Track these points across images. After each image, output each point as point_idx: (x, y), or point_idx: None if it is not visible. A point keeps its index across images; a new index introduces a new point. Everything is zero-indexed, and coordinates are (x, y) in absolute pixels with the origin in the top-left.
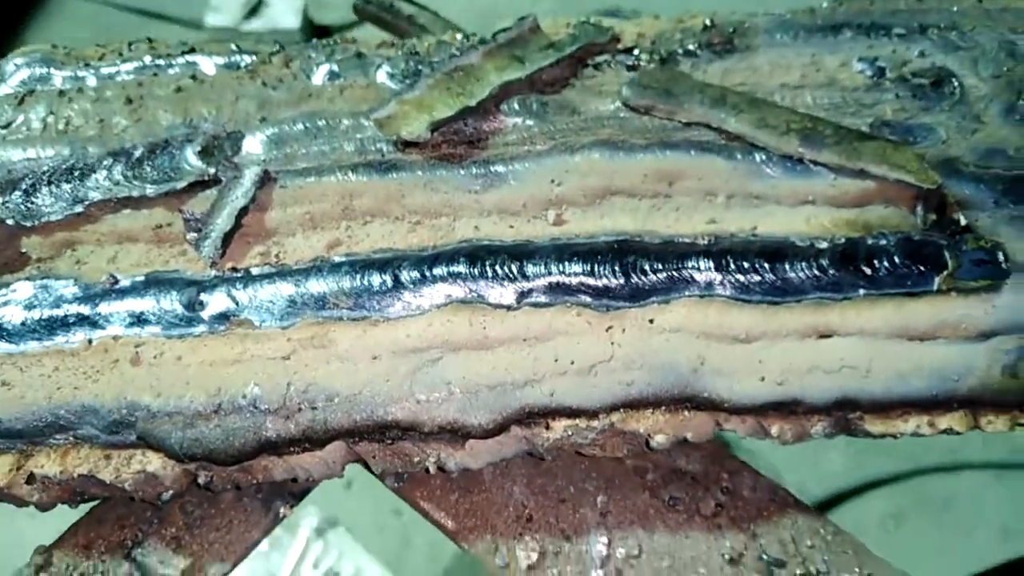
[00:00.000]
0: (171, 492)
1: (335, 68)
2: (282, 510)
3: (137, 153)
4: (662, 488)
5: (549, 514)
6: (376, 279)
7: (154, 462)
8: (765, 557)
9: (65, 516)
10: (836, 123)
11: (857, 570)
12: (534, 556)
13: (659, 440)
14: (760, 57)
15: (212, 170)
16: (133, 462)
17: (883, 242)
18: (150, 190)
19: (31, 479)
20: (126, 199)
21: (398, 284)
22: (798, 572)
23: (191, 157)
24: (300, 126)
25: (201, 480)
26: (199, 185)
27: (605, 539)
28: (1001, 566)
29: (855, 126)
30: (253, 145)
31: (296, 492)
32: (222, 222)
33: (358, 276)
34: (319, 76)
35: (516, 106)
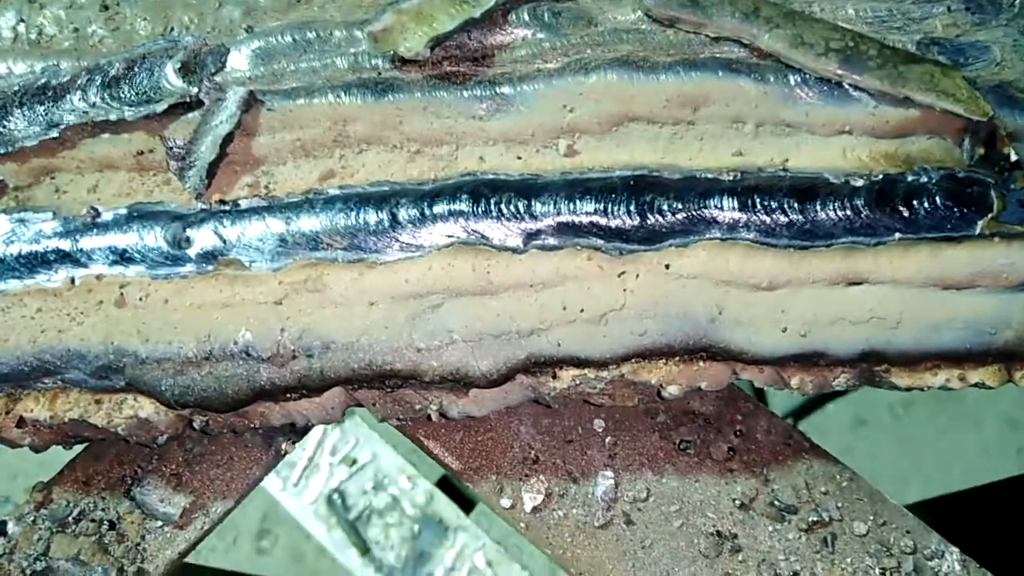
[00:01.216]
0: (166, 436)
1: None
2: (284, 446)
3: (113, 71)
4: (673, 430)
5: (555, 455)
6: (372, 217)
7: (146, 407)
8: (777, 503)
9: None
10: (880, 42)
11: (872, 518)
12: (539, 498)
13: (672, 391)
14: None
15: (194, 90)
16: (125, 407)
17: (924, 179)
18: (128, 113)
19: (21, 423)
20: (104, 123)
21: (395, 223)
22: (811, 519)
23: (171, 75)
24: (288, 38)
25: (196, 425)
26: (181, 107)
27: (612, 481)
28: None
29: (900, 44)
30: (238, 60)
31: (298, 428)
32: (206, 150)
33: (353, 213)
34: None
35: (526, 16)
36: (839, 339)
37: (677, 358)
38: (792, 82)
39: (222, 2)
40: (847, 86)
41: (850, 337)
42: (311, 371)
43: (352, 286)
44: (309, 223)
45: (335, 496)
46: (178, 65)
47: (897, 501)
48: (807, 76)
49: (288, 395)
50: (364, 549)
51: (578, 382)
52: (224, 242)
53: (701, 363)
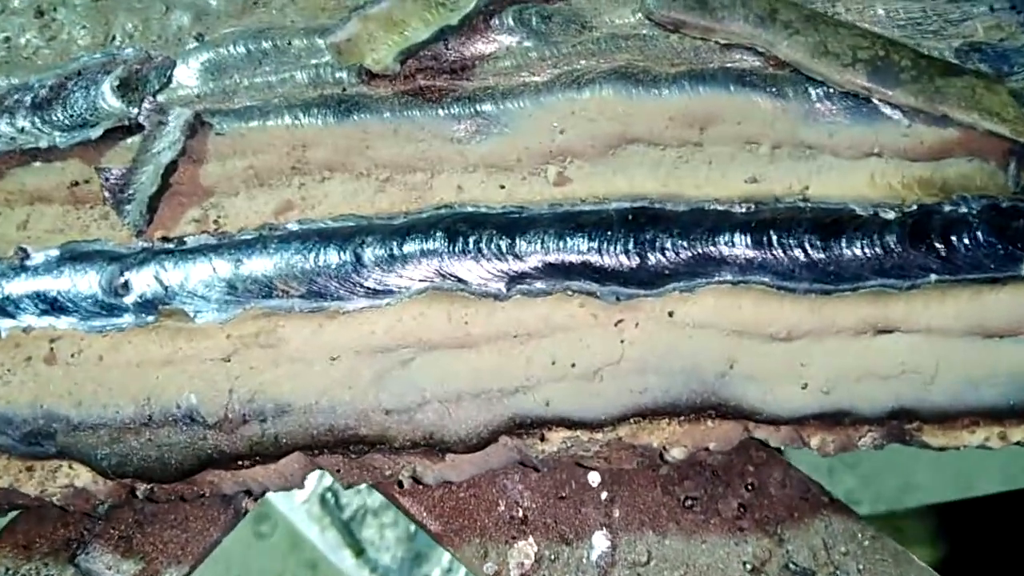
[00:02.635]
0: (108, 504)
1: None
2: (245, 503)
3: (44, 90)
4: (676, 484)
5: (546, 513)
6: (334, 258)
7: (83, 475)
8: (792, 566)
9: None
10: (915, 50)
11: None
12: (528, 563)
13: (676, 454)
14: None
15: (134, 112)
16: (59, 475)
17: (963, 210)
18: (60, 138)
19: None
20: (34, 150)
21: (360, 265)
22: None
23: (108, 94)
24: (242, 48)
25: (140, 493)
26: (119, 131)
27: (609, 543)
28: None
29: (937, 51)
30: (185, 75)
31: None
32: (147, 181)
33: (311, 254)
34: None
35: (511, 21)
36: (866, 396)
37: (682, 417)
38: (813, 97)
39: (169, 6)
40: (876, 102)
41: (879, 393)
42: (264, 437)
43: (310, 340)
44: (262, 265)
45: (328, 495)
46: (116, 82)
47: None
48: (831, 90)
49: (240, 463)
50: (359, 550)
51: (569, 444)
52: (166, 289)
53: (709, 422)
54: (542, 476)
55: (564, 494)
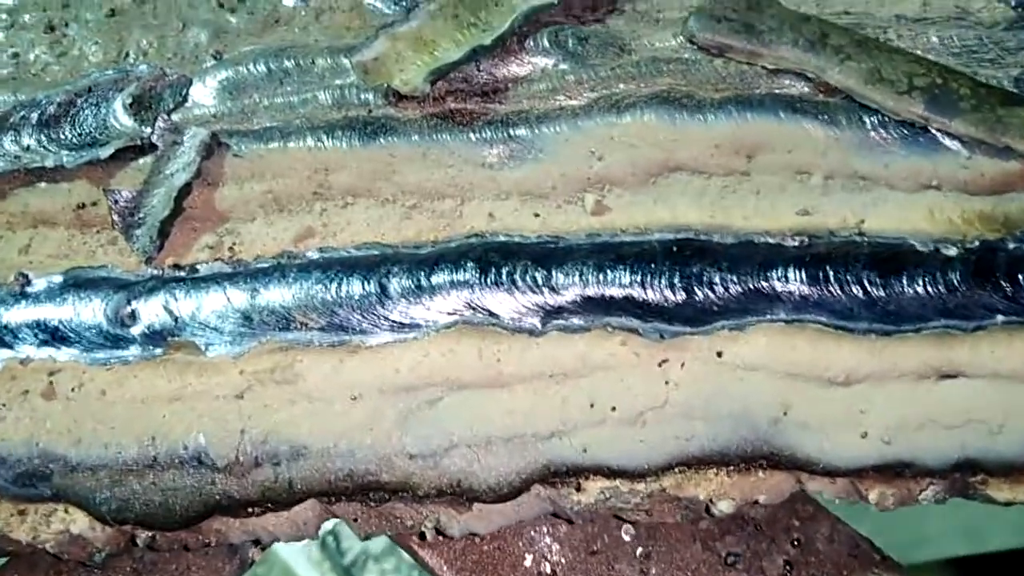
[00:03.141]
0: (105, 552)
1: None
2: (251, 553)
3: (52, 107)
4: (718, 540)
5: (576, 569)
6: (357, 288)
7: (80, 521)
8: None
9: None
10: (973, 78)
11: None
12: None
13: (723, 507)
14: None
15: (146, 131)
16: (54, 520)
17: None
18: (68, 158)
19: None
20: (39, 169)
21: (385, 296)
22: None
23: (119, 112)
24: (262, 67)
25: (140, 541)
26: (130, 151)
27: None
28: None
29: (995, 80)
30: (202, 94)
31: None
32: (159, 204)
33: (333, 284)
34: None
35: (546, 42)
36: (929, 446)
37: (731, 467)
38: (868, 125)
39: (187, 23)
40: (934, 131)
41: (942, 443)
42: (278, 482)
43: (330, 376)
44: (279, 295)
45: (329, 539)
46: (129, 100)
47: None
48: (886, 119)
49: (250, 510)
50: None
51: (608, 495)
52: (175, 319)
53: (760, 473)
54: (572, 528)
55: (596, 548)
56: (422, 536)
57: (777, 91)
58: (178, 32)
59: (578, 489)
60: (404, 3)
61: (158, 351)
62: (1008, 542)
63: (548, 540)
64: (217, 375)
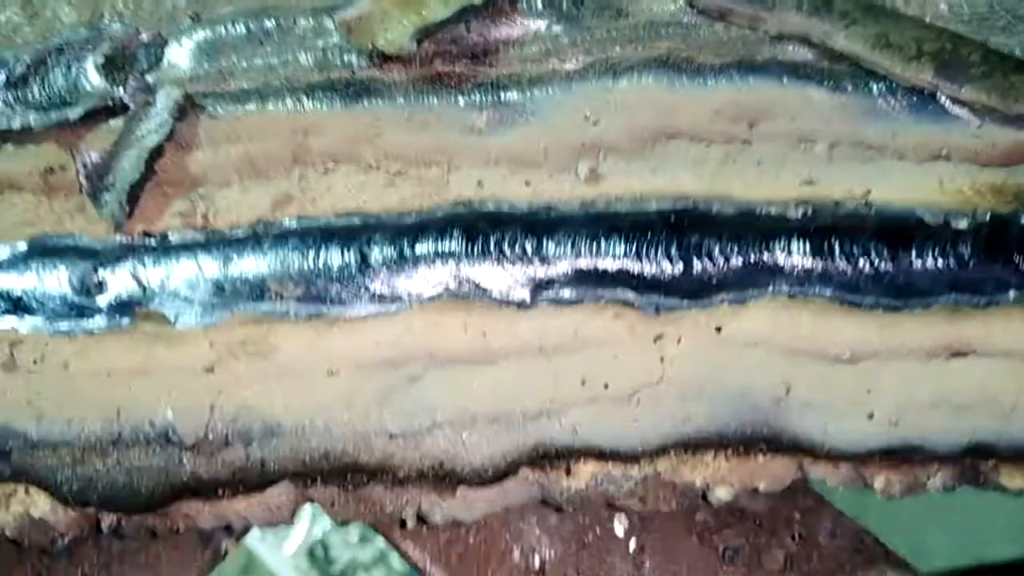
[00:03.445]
0: (68, 538)
1: None
2: (225, 544)
3: (20, 67)
4: (715, 533)
5: (567, 563)
6: (336, 258)
7: (40, 503)
8: None
9: None
10: (984, 45)
11: None
12: None
13: (721, 494)
14: None
15: (119, 92)
16: (13, 502)
17: None
18: (35, 119)
19: None
20: (5, 131)
21: (366, 266)
22: None
23: (91, 72)
24: (241, 28)
25: (105, 526)
26: (102, 113)
27: None
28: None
29: (1007, 48)
30: (177, 55)
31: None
32: (129, 168)
33: (311, 252)
34: None
35: (539, 4)
36: (939, 428)
37: (730, 450)
38: (875, 92)
39: None
40: (944, 99)
41: (952, 426)
42: (249, 462)
43: (306, 350)
44: (254, 264)
45: (318, 548)
46: (101, 60)
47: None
48: (894, 85)
49: (220, 492)
50: None
51: (600, 480)
52: (144, 288)
53: (760, 457)
54: (562, 520)
55: (587, 541)
56: (403, 524)
57: (780, 57)
58: None
59: (568, 473)
60: None
61: (125, 321)
62: (1010, 553)
63: (537, 532)
64: (186, 347)
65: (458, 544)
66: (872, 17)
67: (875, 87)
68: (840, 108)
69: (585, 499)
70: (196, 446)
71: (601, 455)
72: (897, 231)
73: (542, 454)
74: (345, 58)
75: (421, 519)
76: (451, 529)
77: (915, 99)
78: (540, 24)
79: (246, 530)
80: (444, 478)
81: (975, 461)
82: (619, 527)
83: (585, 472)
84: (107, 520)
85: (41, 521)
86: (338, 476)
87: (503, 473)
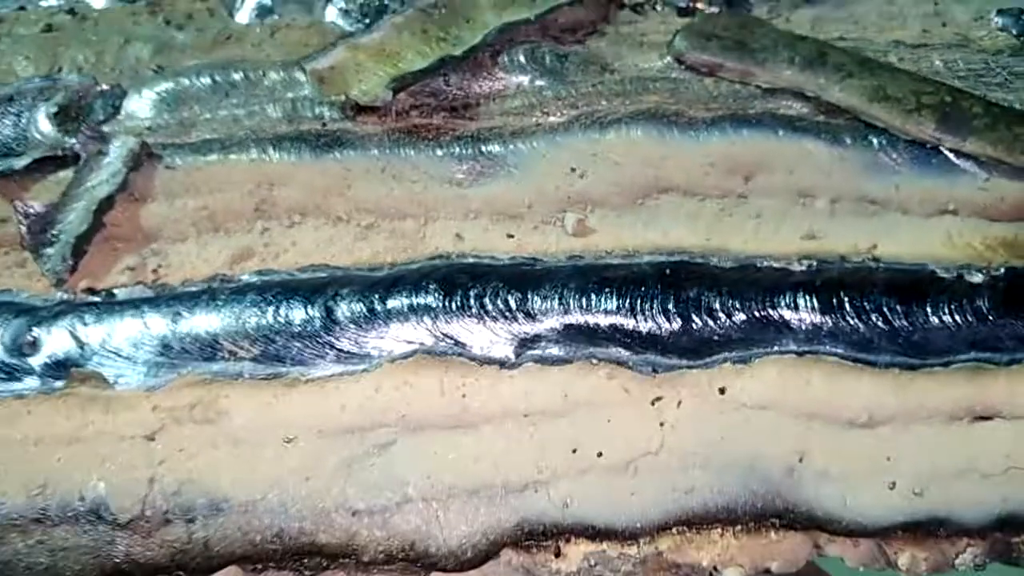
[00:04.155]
0: None
1: (267, 0)
2: None
3: None
4: None
5: None
6: (298, 313)
7: None
8: None
9: None
10: (983, 98)
11: None
12: None
13: (730, 575)
14: (863, 3)
15: (70, 141)
16: None
17: None
18: None
19: None
20: None
21: (331, 323)
22: None
23: (42, 121)
24: (206, 79)
25: None
26: (50, 162)
27: None
28: None
29: (1006, 103)
30: (138, 106)
31: None
32: (75, 219)
33: (270, 308)
34: (244, 12)
35: (522, 58)
36: (966, 499)
37: (739, 527)
38: (875, 145)
39: (129, 39)
40: (947, 152)
41: (981, 496)
42: (191, 543)
43: (260, 415)
44: (205, 321)
45: None
46: (54, 109)
47: None
48: (894, 138)
49: None
50: None
51: (593, 562)
52: (82, 347)
53: (772, 534)
54: None
55: None
56: None
57: (774, 110)
58: (118, 48)
59: (557, 555)
60: (368, 21)
61: (58, 384)
62: None
63: None
64: (126, 412)
65: None
66: (868, 70)
67: (875, 140)
68: (840, 161)
69: None
70: (131, 524)
71: (595, 533)
72: (909, 286)
73: (528, 533)
74: (316, 110)
75: None
76: None
77: (917, 152)
78: (523, 79)
79: None
80: (415, 561)
81: (1007, 535)
82: None
83: (577, 553)
84: None
85: None
86: (293, 560)
87: (484, 556)
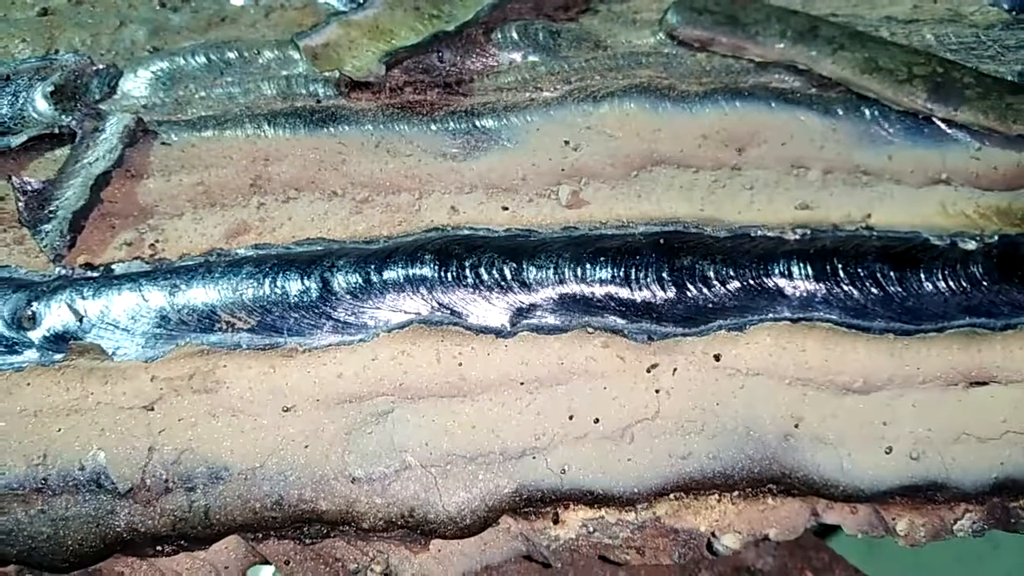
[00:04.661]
0: None
1: None
2: None
3: None
4: None
5: None
6: (295, 285)
7: None
8: None
9: None
10: (974, 69)
11: None
12: None
13: (728, 542)
14: None
15: (66, 119)
16: None
17: None
18: None
19: None
20: None
21: (328, 294)
22: None
23: (39, 100)
24: (201, 59)
25: None
26: (47, 140)
27: None
28: None
29: (998, 75)
30: (133, 85)
31: None
32: (73, 195)
33: (267, 280)
34: None
35: (515, 35)
36: (963, 463)
37: (736, 492)
38: (867, 116)
39: (124, 21)
40: (939, 122)
41: (978, 460)
42: (192, 512)
43: (259, 384)
44: (203, 293)
45: None
46: (51, 88)
47: None
48: (887, 109)
49: (159, 547)
50: None
51: (591, 528)
52: (80, 319)
53: (770, 499)
54: None
55: None
56: None
57: (768, 83)
58: (114, 30)
59: (556, 521)
60: (361, 1)
61: (58, 357)
62: None
63: None
64: (124, 383)
65: None
66: (859, 42)
67: (867, 111)
68: (832, 133)
69: (575, 551)
70: (131, 493)
71: (593, 499)
72: (903, 252)
73: (526, 499)
74: (311, 87)
75: None
76: None
77: (910, 123)
78: (516, 55)
79: None
80: (415, 528)
81: (1005, 500)
82: None
83: (575, 520)
84: None
85: None
86: (293, 528)
87: (482, 522)
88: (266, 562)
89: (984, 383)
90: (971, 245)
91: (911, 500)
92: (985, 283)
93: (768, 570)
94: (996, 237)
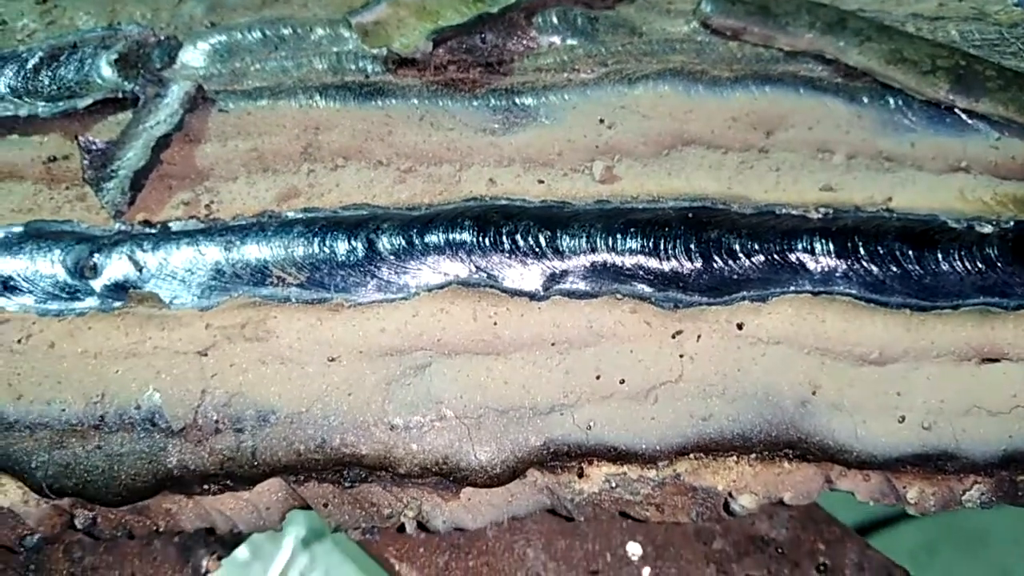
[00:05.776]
0: (38, 536)
1: None
2: (206, 563)
3: (33, 59)
4: (734, 562)
5: None
6: (342, 244)
7: (11, 492)
8: None
9: None
10: (996, 63)
11: None
12: None
13: (744, 502)
14: None
15: (129, 85)
16: None
17: None
18: (43, 108)
19: None
20: (12, 119)
21: (373, 253)
22: None
23: (104, 67)
24: (257, 34)
25: (79, 522)
26: (111, 104)
27: None
28: None
29: (1020, 70)
30: (192, 56)
31: (225, 538)
32: (134, 156)
33: (316, 240)
34: None
35: (555, 19)
36: (974, 435)
37: (753, 455)
38: (891, 105)
39: None
40: (960, 112)
41: (987, 432)
42: (240, 452)
43: (307, 335)
44: (256, 250)
45: None
46: (115, 56)
47: None
48: (910, 98)
49: (206, 486)
50: None
51: (614, 484)
52: (140, 270)
53: (786, 463)
54: (570, 544)
55: (596, 568)
56: (401, 528)
57: (796, 71)
58: (174, 5)
59: (580, 475)
60: None
61: (117, 304)
62: None
63: (544, 558)
64: (180, 329)
65: (457, 567)
66: (886, 34)
67: (892, 100)
68: (857, 119)
69: (597, 506)
70: (183, 432)
71: (616, 456)
72: (921, 233)
73: (553, 453)
74: (359, 63)
75: (421, 526)
76: (451, 551)
77: (932, 112)
78: (555, 38)
79: (234, 541)
80: (448, 475)
81: (1013, 474)
82: (632, 553)
83: (599, 475)
84: (81, 517)
85: (9, 513)
86: (334, 471)
87: (511, 472)
88: (306, 506)
89: (996, 360)
90: (987, 229)
91: (922, 469)
92: (1000, 265)
93: (781, 540)
94: (1012, 223)
